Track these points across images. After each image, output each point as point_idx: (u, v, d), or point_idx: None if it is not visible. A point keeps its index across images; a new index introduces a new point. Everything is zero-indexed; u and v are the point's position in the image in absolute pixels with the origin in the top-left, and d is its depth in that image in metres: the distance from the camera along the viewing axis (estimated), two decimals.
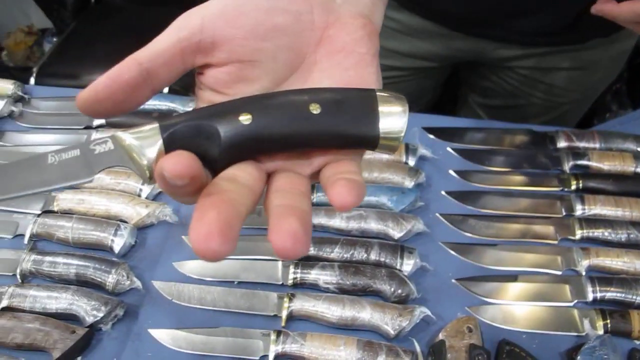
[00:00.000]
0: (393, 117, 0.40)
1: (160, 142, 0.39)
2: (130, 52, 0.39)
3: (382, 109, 0.40)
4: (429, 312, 0.72)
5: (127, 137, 0.39)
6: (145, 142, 0.39)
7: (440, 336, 0.70)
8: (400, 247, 0.78)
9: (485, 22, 0.97)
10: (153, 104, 0.99)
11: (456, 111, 1.64)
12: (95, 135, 0.95)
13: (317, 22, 0.43)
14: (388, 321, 0.71)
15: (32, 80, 1.70)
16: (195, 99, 0.46)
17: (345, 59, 0.43)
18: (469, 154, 0.94)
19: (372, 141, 0.40)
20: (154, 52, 0.39)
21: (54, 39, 2.23)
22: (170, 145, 0.39)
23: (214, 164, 0.40)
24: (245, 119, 0.39)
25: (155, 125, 0.39)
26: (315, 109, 0.39)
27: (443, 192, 0.88)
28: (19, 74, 2.16)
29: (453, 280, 0.78)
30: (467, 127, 0.99)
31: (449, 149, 0.95)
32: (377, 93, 0.41)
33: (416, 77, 1.14)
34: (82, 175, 0.39)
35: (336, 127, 0.40)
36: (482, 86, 1.17)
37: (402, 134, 0.40)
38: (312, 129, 0.39)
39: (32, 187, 0.39)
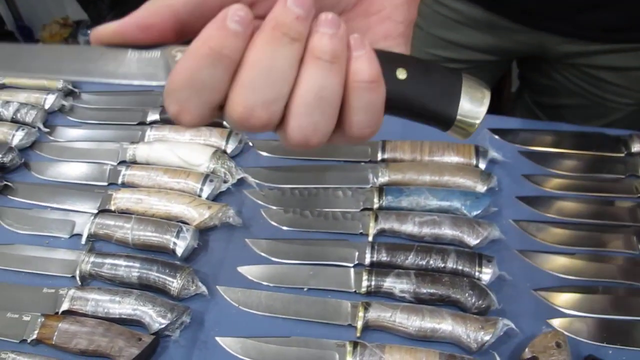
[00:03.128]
0: (473, 103, 0.39)
1: None
2: None
3: (465, 92, 0.39)
4: (512, 325, 0.68)
5: None
6: None
7: (528, 352, 0.66)
8: (478, 255, 0.74)
9: (552, 15, 0.92)
10: None
11: (500, 109, 1.60)
12: (149, 132, 0.92)
13: None
14: (470, 334, 0.67)
15: None
16: None
17: (378, 24, 0.42)
18: (538, 157, 0.90)
19: (447, 121, 0.40)
20: (192, 1, 0.36)
21: (89, 32, 2.20)
22: None
23: None
24: None
25: None
26: (401, 74, 0.38)
27: (515, 197, 0.84)
28: None
29: (532, 291, 0.75)
30: (533, 128, 0.95)
31: (517, 151, 0.91)
32: (463, 76, 0.40)
33: (475, 70, 1.10)
34: (160, 77, 0.37)
35: (417, 98, 0.39)
36: (542, 84, 1.12)
37: (479, 121, 0.40)
38: (394, 92, 0.38)
39: (111, 75, 0.37)
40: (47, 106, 0.98)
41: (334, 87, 0.35)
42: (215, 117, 0.37)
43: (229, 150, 0.88)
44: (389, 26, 0.42)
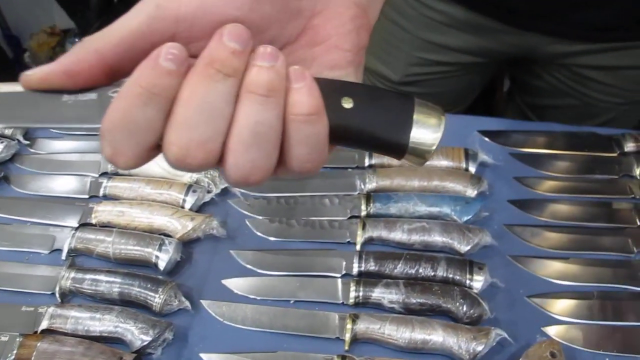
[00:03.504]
0: (427, 129, 0.37)
1: None
2: None
3: (417, 118, 0.37)
4: (505, 335, 0.66)
5: None
6: None
7: None
8: (469, 263, 0.72)
9: (540, 16, 0.90)
10: None
11: (493, 110, 1.58)
12: None
13: (305, 8, 0.39)
14: (462, 345, 0.65)
15: None
16: None
17: (324, 55, 0.40)
18: (530, 159, 0.88)
19: (399, 149, 0.38)
20: (121, 45, 0.35)
21: (77, 40, 2.19)
22: None
23: None
24: None
25: None
26: (347, 103, 0.37)
27: (507, 201, 0.82)
28: None
29: (525, 298, 0.72)
30: (524, 130, 0.93)
31: (508, 153, 0.89)
32: (416, 100, 0.38)
33: (463, 73, 1.08)
34: (96, 120, 0.35)
35: (366, 127, 0.37)
36: (532, 85, 1.11)
37: (434, 148, 0.38)
38: (339, 123, 0.36)
39: (45, 120, 0.36)
40: None
41: (271, 122, 0.33)
42: (152, 157, 0.35)
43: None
44: (337, 55, 0.40)
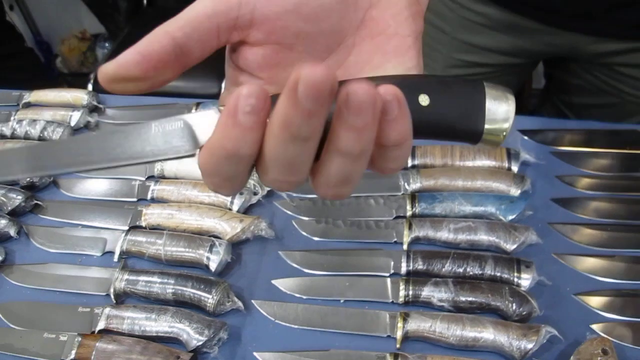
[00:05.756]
0: (499, 112, 0.39)
1: None
2: None
3: (489, 102, 0.39)
4: (555, 332, 0.67)
5: None
6: None
7: None
8: (516, 261, 0.73)
9: (582, 15, 0.90)
10: None
11: (522, 107, 1.58)
12: None
13: (361, 1, 0.40)
14: (513, 342, 0.66)
15: (89, 87, 1.68)
16: (225, 78, 0.43)
17: (386, 43, 0.41)
18: (570, 157, 0.88)
19: (475, 135, 0.39)
20: (188, 25, 0.36)
21: (107, 44, 2.22)
22: None
23: None
24: None
25: None
26: (424, 100, 0.38)
27: (550, 199, 0.83)
28: (74, 81, 2.16)
29: (572, 295, 0.73)
30: (563, 128, 0.93)
31: (549, 152, 0.89)
32: (485, 86, 0.40)
33: (501, 74, 1.08)
34: (188, 148, 0.37)
35: (442, 119, 0.39)
36: (570, 83, 1.11)
37: (508, 129, 0.39)
38: (418, 119, 0.37)
39: (140, 156, 0.37)
40: (73, 123, 0.98)
41: (360, 171, 0.34)
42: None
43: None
44: (398, 42, 0.41)
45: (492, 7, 0.95)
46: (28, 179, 0.88)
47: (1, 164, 0.38)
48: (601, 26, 0.91)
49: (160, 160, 0.38)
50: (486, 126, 0.39)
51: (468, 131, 0.39)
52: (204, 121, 0.37)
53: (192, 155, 0.37)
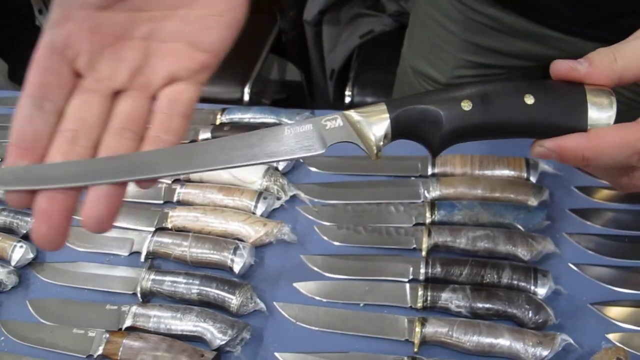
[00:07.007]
0: (601, 110, 0.42)
1: (387, 122, 0.43)
2: None
3: (591, 102, 0.42)
4: (571, 340, 0.68)
5: (356, 115, 0.44)
6: (374, 120, 0.43)
7: None
8: (533, 270, 0.74)
9: (589, 22, 0.91)
10: (261, 116, 0.96)
11: None
12: None
13: None
14: (528, 349, 0.67)
15: None
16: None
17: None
18: None
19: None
20: None
21: None
22: (396, 126, 0.43)
23: (433, 148, 0.46)
24: (466, 105, 0.43)
25: (383, 105, 0.44)
26: (529, 99, 0.42)
27: (568, 210, 0.84)
28: None
29: (589, 305, 0.74)
30: None
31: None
32: (586, 86, 0.43)
33: (511, 76, 1.09)
34: (317, 148, 0.43)
35: (547, 118, 0.43)
36: None
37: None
38: (526, 119, 0.41)
39: (275, 155, 0.42)
40: None
41: None
42: None
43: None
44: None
45: (501, 11, 0.96)
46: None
47: (146, 163, 0.44)
48: (605, 33, 0.92)
49: (292, 159, 0.44)
50: (589, 124, 0.42)
51: (572, 129, 0.42)
52: (330, 124, 0.43)
53: (321, 154, 0.42)
